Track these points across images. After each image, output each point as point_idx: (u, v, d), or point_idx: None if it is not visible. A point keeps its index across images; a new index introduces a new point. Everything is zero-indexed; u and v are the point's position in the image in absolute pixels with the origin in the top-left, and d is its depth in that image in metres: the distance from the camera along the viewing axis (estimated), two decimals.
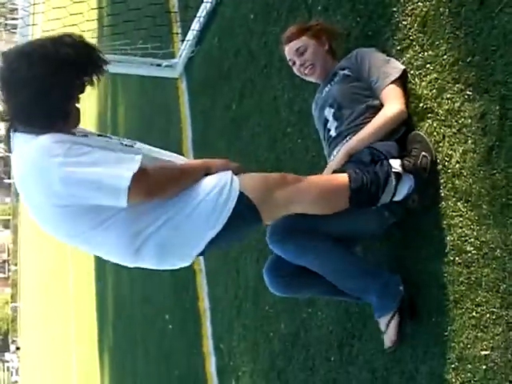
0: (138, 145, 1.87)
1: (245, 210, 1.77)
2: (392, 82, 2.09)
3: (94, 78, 1.71)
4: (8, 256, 47.79)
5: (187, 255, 1.84)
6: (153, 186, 1.69)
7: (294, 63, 2.35)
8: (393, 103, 2.05)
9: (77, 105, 1.74)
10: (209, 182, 1.79)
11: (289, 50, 2.35)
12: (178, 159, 1.95)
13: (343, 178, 1.91)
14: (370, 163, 1.94)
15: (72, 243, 1.85)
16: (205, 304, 4.34)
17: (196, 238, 1.78)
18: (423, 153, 1.95)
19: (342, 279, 2.00)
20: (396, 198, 1.95)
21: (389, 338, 2.01)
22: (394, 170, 1.92)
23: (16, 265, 41.79)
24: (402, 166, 1.94)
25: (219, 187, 1.76)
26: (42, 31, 4.32)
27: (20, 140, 1.70)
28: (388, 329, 1.99)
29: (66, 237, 1.82)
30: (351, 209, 1.90)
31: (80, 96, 1.74)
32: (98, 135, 1.90)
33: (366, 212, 1.96)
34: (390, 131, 2.04)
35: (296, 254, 1.93)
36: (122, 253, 1.81)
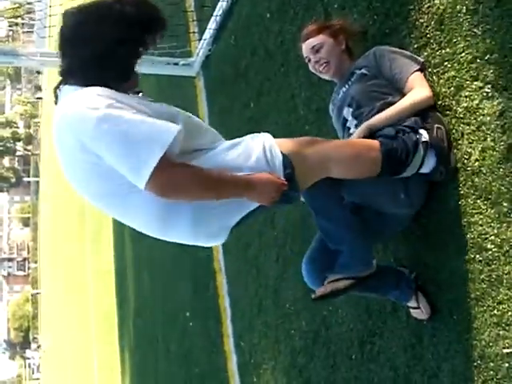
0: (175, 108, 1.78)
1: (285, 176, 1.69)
2: (415, 71, 2.10)
3: (157, 37, 1.72)
4: (28, 254, 48.48)
5: (225, 227, 1.72)
6: (171, 185, 1.57)
7: (310, 60, 2.38)
8: (420, 89, 2.06)
9: (136, 69, 1.73)
10: (253, 148, 1.69)
11: (305, 48, 2.37)
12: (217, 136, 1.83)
13: (373, 141, 1.91)
14: (396, 135, 1.94)
15: (99, 205, 1.75)
16: (225, 302, 4.38)
17: (237, 204, 1.68)
18: (436, 125, 1.97)
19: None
20: (423, 170, 1.95)
21: (322, 290, 1.96)
22: (423, 139, 1.93)
23: (36, 262, 42.37)
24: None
25: (263, 151, 1.69)
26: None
27: (66, 91, 1.67)
28: (330, 284, 1.95)
29: (94, 196, 1.72)
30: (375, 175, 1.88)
31: (142, 57, 1.73)
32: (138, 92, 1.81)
33: (383, 185, 1.96)
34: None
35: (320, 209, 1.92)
36: (152, 214, 1.67)
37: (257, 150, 1.70)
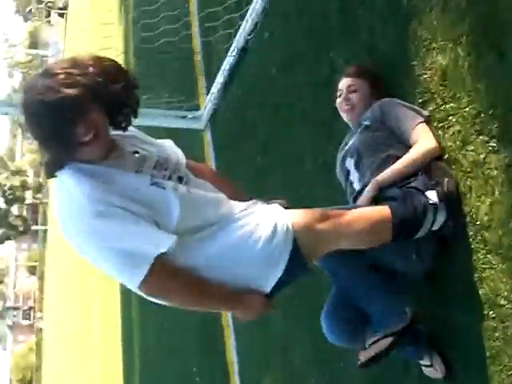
0: (169, 183, 1.67)
1: (293, 253, 1.68)
2: (420, 123, 2.11)
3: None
4: (34, 303, 48.06)
5: None
6: (158, 294, 1.62)
7: (340, 96, 2.40)
8: (425, 140, 2.07)
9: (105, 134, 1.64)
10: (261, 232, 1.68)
11: (343, 83, 2.41)
12: (222, 199, 1.78)
13: (383, 209, 1.90)
14: (404, 198, 1.94)
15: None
16: (233, 357, 4.28)
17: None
18: (446, 178, 1.96)
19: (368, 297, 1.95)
20: (434, 228, 1.94)
21: (365, 354, 1.89)
22: (431, 201, 1.92)
23: (41, 311, 41.95)
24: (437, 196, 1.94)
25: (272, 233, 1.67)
26: None
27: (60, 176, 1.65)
28: (372, 347, 1.88)
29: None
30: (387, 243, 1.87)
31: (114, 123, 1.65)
32: (134, 152, 1.73)
33: (395, 249, 1.93)
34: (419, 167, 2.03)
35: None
36: None
37: (265, 233, 1.68)
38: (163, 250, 1.56)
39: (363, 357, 1.88)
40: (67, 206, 1.59)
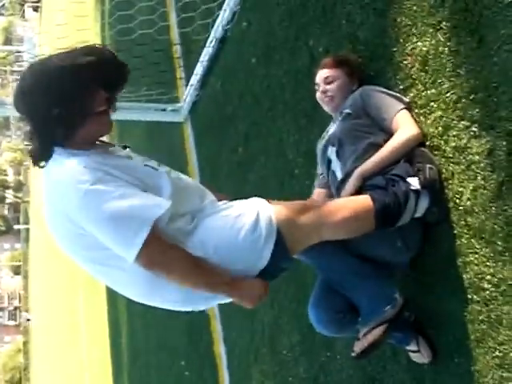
0: (161, 168, 1.76)
1: (276, 245, 1.68)
2: (401, 110, 2.11)
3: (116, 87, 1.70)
4: (19, 303, 47.64)
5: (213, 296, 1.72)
6: (159, 262, 1.58)
7: (318, 88, 2.39)
8: (407, 127, 2.06)
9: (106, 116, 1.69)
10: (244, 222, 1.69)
11: (319, 76, 2.40)
12: (202, 190, 1.84)
13: (365, 198, 1.89)
14: (386, 186, 1.94)
15: (88, 269, 1.76)
16: (221, 349, 4.28)
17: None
18: (428, 165, 1.96)
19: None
20: (417, 214, 1.94)
21: (359, 345, 1.88)
22: (412, 187, 1.92)
23: (27, 311, 41.63)
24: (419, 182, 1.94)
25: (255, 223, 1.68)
26: None
27: (53, 157, 1.67)
28: (365, 337, 1.86)
29: (80, 261, 1.74)
30: (371, 231, 1.87)
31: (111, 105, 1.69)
32: (124, 146, 1.82)
33: (380, 237, 1.93)
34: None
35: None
36: (138, 285, 1.69)
37: (248, 221, 1.68)
38: (162, 211, 1.57)
39: (358, 348, 1.88)
40: (65, 179, 1.59)
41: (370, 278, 1.93)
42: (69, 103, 1.59)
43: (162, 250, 1.58)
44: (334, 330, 2.06)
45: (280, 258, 1.70)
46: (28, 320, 36.07)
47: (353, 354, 1.90)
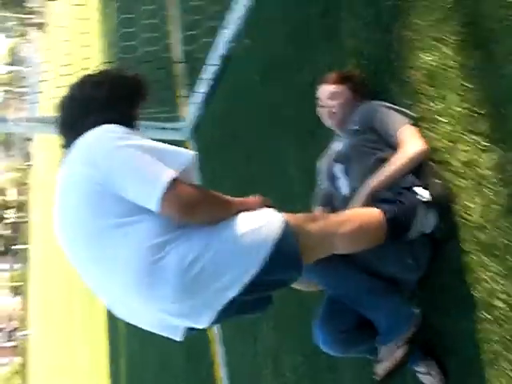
0: None
1: (287, 248, 1.61)
2: (407, 125, 2.08)
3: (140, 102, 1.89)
4: (18, 323, 47.30)
5: (210, 306, 1.57)
6: (187, 203, 1.55)
7: (320, 103, 2.37)
8: (413, 142, 2.03)
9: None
10: (253, 215, 1.66)
11: (321, 91, 2.37)
12: None
13: (373, 210, 1.85)
14: (394, 199, 1.91)
15: (85, 244, 1.64)
16: (221, 372, 4.19)
17: (232, 272, 1.55)
18: (435, 180, 1.94)
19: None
20: (426, 231, 1.92)
21: (382, 367, 1.84)
22: (419, 197, 1.90)
23: (26, 331, 41.30)
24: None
25: (265, 219, 1.64)
26: (51, 98, 4.39)
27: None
28: (388, 358, 1.82)
29: (86, 228, 1.63)
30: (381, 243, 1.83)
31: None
32: None
33: (390, 254, 1.90)
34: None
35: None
36: (133, 269, 1.55)
37: (260, 218, 1.65)
38: (190, 157, 1.65)
39: (382, 370, 1.84)
40: (97, 131, 1.66)
41: (386, 295, 1.88)
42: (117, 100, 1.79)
43: (188, 191, 1.57)
44: (340, 350, 2.01)
45: (289, 264, 1.63)
46: (25, 336, 35.68)
47: (377, 378, 1.85)
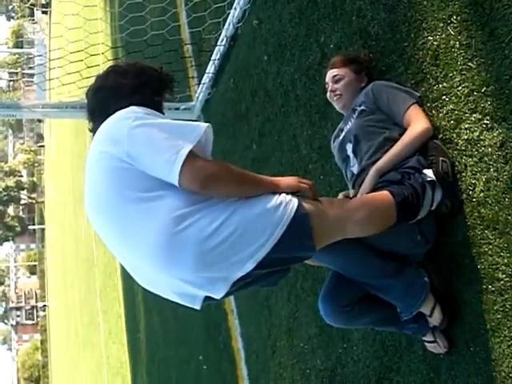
0: None
1: (301, 228, 1.69)
2: (412, 105, 2.14)
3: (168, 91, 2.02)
4: (36, 302, 48.18)
5: (226, 278, 1.65)
6: (205, 175, 1.63)
7: (328, 88, 2.45)
8: (418, 122, 2.10)
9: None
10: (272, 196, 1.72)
11: (328, 75, 2.46)
12: None
13: (384, 194, 1.93)
14: (402, 180, 1.97)
15: (109, 217, 1.74)
16: (238, 344, 4.33)
17: (247, 248, 1.64)
18: (441, 158, 2.00)
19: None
20: (432, 207, 1.98)
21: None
22: (428, 178, 1.96)
23: (44, 310, 42.07)
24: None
25: (282, 201, 1.71)
26: (61, 85, 4.46)
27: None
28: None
29: (110, 202, 1.72)
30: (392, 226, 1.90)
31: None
32: None
33: (399, 232, 1.96)
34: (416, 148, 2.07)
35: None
36: (155, 239, 1.63)
37: (277, 198, 1.72)
38: (204, 128, 1.74)
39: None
40: (120, 112, 1.78)
41: (399, 275, 1.97)
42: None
43: (206, 162, 1.68)
44: (342, 323, 2.11)
45: (302, 243, 1.71)
46: (44, 306, 36.17)
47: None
